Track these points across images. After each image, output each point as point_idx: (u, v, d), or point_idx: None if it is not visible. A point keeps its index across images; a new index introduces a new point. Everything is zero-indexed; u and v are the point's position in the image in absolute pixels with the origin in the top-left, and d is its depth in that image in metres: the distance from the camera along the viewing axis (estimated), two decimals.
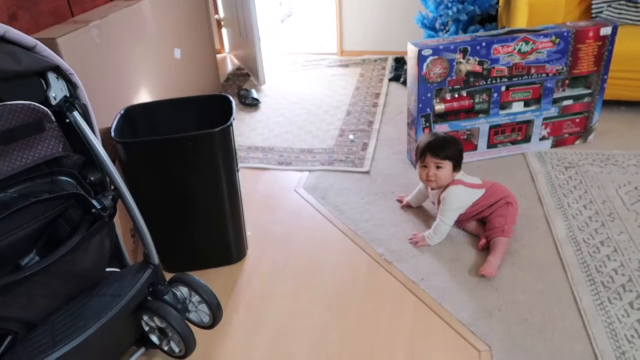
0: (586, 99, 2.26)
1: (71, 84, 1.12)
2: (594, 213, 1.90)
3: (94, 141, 1.12)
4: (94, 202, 1.11)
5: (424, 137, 1.85)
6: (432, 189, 1.85)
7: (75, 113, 1.10)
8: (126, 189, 1.17)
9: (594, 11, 2.70)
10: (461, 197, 1.79)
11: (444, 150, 1.76)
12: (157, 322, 1.24)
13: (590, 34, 2.10)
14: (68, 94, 1.11)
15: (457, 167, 1.79)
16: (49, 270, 1.04)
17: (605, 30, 2.11)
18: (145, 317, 1.25)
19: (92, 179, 1.15)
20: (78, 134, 1.11)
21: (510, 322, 1.49)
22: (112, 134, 1.54)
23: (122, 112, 1.68)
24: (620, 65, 2.35)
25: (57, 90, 1.08)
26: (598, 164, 2.21)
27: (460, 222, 1.86)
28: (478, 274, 1.66)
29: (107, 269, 1.26)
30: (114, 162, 1.61)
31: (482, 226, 1.82)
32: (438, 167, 1.76)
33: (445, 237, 1.82)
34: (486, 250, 1.75)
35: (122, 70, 2.06)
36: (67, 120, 1.10)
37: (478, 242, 1.79)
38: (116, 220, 1.39)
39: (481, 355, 1.41)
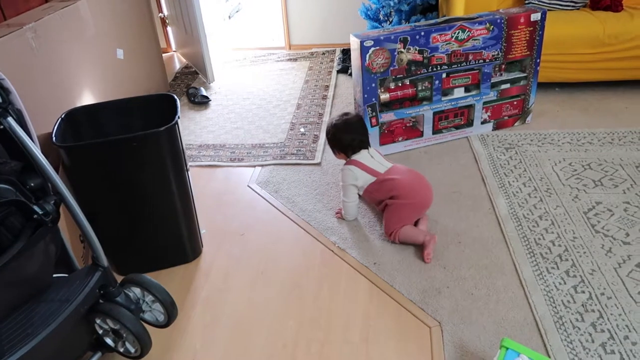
0: (522, 82, 2.38)
1: (3, 89, 1.09)
2: (532, 190, 2.01)
3: (31, 146, 1.11)
4: (36, 207, 1.10)
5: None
6: None
7: (10, 119, 1.08)
8: (69, 193, 1.16)
9: None
10: (348, 175, 1.87)
11: (328, 140, 1.97)
12: (110, 324, 1.24)
13: (522, 20, 2.21)
14: (0, 100, 1.08)
15: (343, 151, 1.91)
16: None
17: (535, 16, 2.22)
18: (98, 320, 1.24)
19: (32, 184, 1.13)
20: (14, 140, 1.09)
21: (458, 297, 1.57)
22: (54, 138, 1.51)
23: (63, 116, 1.65)
24: (552, 49, 2.49)
25: None
26: (536, 143, 2.33)
27: (376, 205, 1.94)
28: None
29: (55, 275, 1.25)
30: (57, 168, 1.60)
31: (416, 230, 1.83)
32: (334, 152, 1.97)
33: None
34: (433, 230, 1.83)
35: (61, 73, 2.01)
36: (1, 127, 1.08)
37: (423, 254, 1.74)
38: (63, 225, 1.37)
39: (432, 331, 1.47)
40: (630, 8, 2.66)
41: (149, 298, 1.35)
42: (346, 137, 1.88)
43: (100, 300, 1.25)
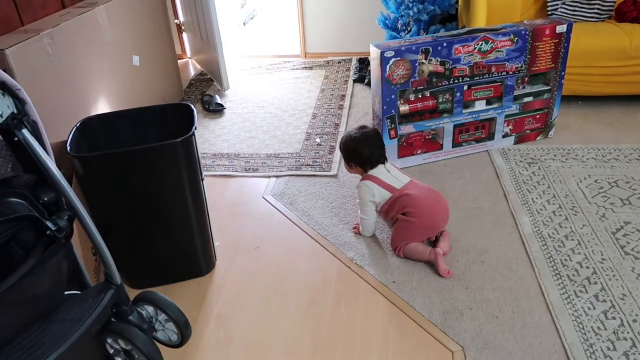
0: (546, 96, 2.31)
1: (19, 100, 1.06)
2: (557, 208, 1.94)
3: (46, 160, 1.07)
4: (49, 223, 1.06)
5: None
6: None
7: (25, 131, 1.05)
8: (83, 208, 1.12)
9: (549, 9, 2.77)
10: (365, 191, 1.81)
11: (343, 153, 1.90)
12: (122, 344, 1.20)
13: (547, 32, 2.15)
14: (16, 111, 1.05)
15: (362, 165, 1.85)
16: (2, 298, 0.99)
17: (561, 28, 2.16)
18: (109, 340, 1.20)
19: (45, 199, 1.09)
20: (28, 152, 1.06)
21: (482, 320, 1.51)
22: (68, 148, 1.47)
23: (78, 125, 1.62)
24: (576, 62, 2.42)
25: (3, 108, 1.02)
26: (559, 159, 2.26)
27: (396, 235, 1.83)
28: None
29: (67, 292, 1.20)
30: (71, 177, 1.56)
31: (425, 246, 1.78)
32: (349, 166, 1.89)
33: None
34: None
35: (77, 80, 1.98)
36: (16, 139, 1.04)
37: (440, 270, 1.69)
38: (75, 239, 1.33)
39: (455, 356, 1.41)
40: None
41: (162, 317, 1.30)
42: (366, 151, 1.82)
43: (113, 319, 1.21)
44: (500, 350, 1.41)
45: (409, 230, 1.74)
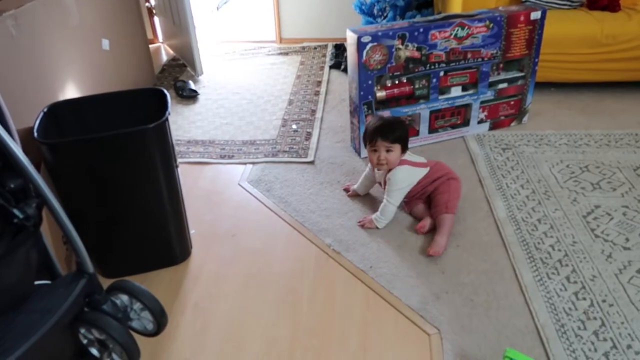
0: (520, 82, 2.34)
1: None
2: (530, 192, 1.97)
3: (11, 145, 1.02)
4: (16, 211, 1.02)
5: (372, 121, 1.84)
6: (380, 170, 1.86)
7: None
8: (52, 194, 1.08)
9: None
10: (406, 176, 1.81)
11: (394, 133, 1.76)
12: (96, 334, 1.17)
13: (522, 18, 2.17)
14: None
15: (405, 148, 1.81)
16: None
17: (535, 15, 2.18)
18: (82, 330, 1.17)
19: (12, 186, 1.05)
20: None
21: (457, 303, 1.53)
22: (35, 134, 1.42)
23: (45, 110, 1.56)
24: (549, 48, 2.45)
25: None
26: (533, 144, 2.29)
27: (407, 204, 1.89)
28: (425, 257, 1.69)
29: (36, 282, 1.16)
30: (39, 164, 1.51)
31: (429, 210, 1.85)
32: (388, 151, 1.77)
33: (392, 221, 1.83)
34: (432, 232, 1.78)
35: (44, 64, 1.91)
36: None
37: (417, 224, 1.81)
38: (45, 228, 1.29)
39: (431, 339, 1.43)
40: (627, 8, 2.64)
41: (137, 306, 1.27)
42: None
43: (85, 309, 1.17)
44: (475, 332, 1.43)
45: (458, 187, 1.85)
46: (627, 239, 1.72)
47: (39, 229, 1.10)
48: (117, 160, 1.46)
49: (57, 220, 1.10)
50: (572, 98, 2.68)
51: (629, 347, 1.36)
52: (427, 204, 1.87)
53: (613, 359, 1.33)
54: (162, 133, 1.50)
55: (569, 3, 2.71)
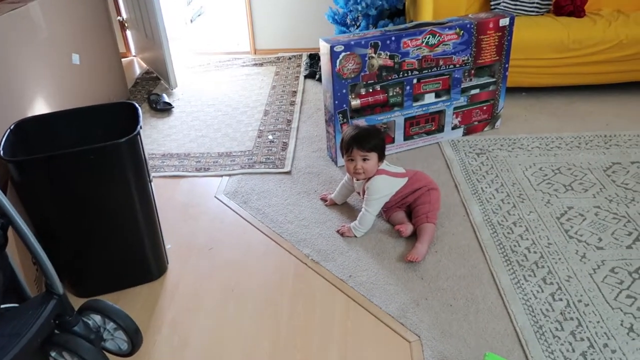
0: (491, 87, 2.38)
1: None
2: (505, 196, 2.00)
3: None
4: None
5: (348, 130, 1.84)
6: (358, 180, 1.86)
7: None
8: (17, 215, 1.05)
9: (492, 3, 2.85)
10: (385, 186, 1.81)
11: (369, 142, 1.76)
12: (68, 357, 1.13)
13: (491, 25, 2.21)
14: None
15: (382, 157, 1.81)
16: None
17: (504, 21, 2.22)
18: (53, 353, 1.13)
19: None
20: None
21: (437, 309, 1.53)
22: (1, 152, 1.38)
23: (12, 127, 1.52)
24: (519, 54, 2.51)
25: None
26: (506, 148, 2.33)
27: (386, 212, 1.89)
28: (404, 264, 1.69)
29: (3, 305, 1.12)
30: (6, 183, 1.47)
31: (408, 218, 1.85)
32: (365, 160, 1.77)
33: (371, 229, 1.83)
34: (412, 238, 1.78)
35: (10, 79, 1.87)
36: None
37: (398, 225, 1.82)
38: (12, 248, 1.25)
39: (412, 346, 1.42)
40: (591, 14, 2.71)
41: (110, 325, 1.24)
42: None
43: (56, 331, 1.14)
44: (456, 337, 1.43)
45: (439, 198, 1.87)
46: (600, 239, 1.75)
47: (4, 250, 1.06)
48: (87, 176, 1.43)
49: (23, 240, 1.07)
50: (543, 102, 2.74)
51: (605, 345, 1.38)
52: (407, 212, 1.88)
53: (590, 358, 1.34)
54: (134, 147, 1.47)
55: (536, 9, 2.77)
